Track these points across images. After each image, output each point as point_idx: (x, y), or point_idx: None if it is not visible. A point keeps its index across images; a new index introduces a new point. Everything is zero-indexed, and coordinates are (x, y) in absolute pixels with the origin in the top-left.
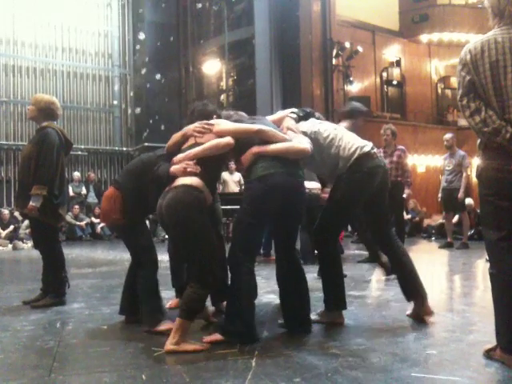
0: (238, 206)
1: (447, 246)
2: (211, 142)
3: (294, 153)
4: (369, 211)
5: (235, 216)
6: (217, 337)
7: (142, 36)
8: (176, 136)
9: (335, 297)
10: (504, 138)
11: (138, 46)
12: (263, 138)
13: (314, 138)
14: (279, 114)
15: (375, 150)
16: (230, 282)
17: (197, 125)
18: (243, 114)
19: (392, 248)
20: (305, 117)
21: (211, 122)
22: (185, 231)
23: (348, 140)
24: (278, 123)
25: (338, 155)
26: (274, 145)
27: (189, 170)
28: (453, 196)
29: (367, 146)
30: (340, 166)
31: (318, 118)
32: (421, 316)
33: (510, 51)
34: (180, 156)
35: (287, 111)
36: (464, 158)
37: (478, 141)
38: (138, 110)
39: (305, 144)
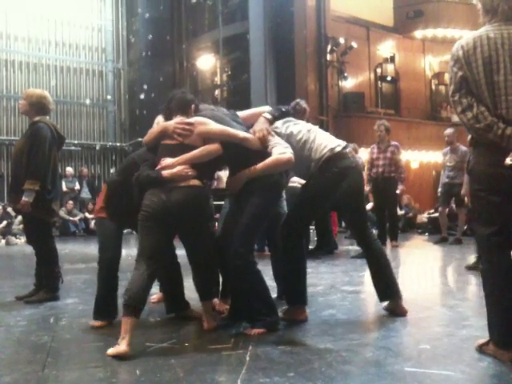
0: None
1: (442, 241)
2: (200, 150)
3: (281, 166)
4: (346, 214)
5: (242, 219)
6: (259, 330)
7: (135, 30)
8: (153, 132)
9: (296, 292)
10: (496, 135)
11: (131, 41)
12: (246, 146)
13: (286, 140)
14: (251, 110)
15: (349, 149)
16: (244, 281)
17: (177, 125)
18: (223, 109)
19: (369, 248)
20: (280, 117)
21: (192, 120)
22: (201, 223)
23: (320, 142)
24: (250, 120)
25: (309, 157)
26: (262, 164)
27: (190, 173)
28: (453, 190)
29: (339, 146)
30: (312, 167)
31: (295, 113)
32: (394, 313)
33: (502, 47)
34: (169, 161)
35: (260, 109)
36: (466, 154)
37: (469, 137)
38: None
39: (288, 154)
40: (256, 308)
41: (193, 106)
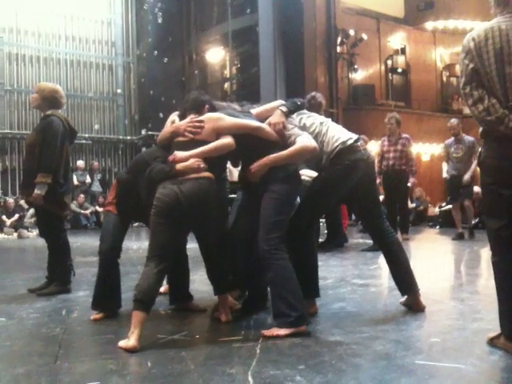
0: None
1: (459, 237)
2: (212, 145)
3: (307, 154)
4: (357, 205)
5: (266, 209)
6: (285, 331)
7: (144, 24)
8: (166, 132)
9: (307, 286)
10: (507, 127)
11: (141, 34)
12: (260, 136)
13: None
14: (264, 107)
15: (360, 142)
16: (270, 273)
17: (188, 123)
18: (236, 106)
19: (385, 242)
20: (295, 110)
21: (203, 117)
22: (212, 215)
23: (332, 134)
24: (263, 116)
25: (321, 150)
26: (288, 151)
27: (202, 166)
28: (461, 183)
29: (351, 139)
30: (323, 160)
31: (310, 107)
32: (412, 308)
33: None
34: (181, 154)
35: (273, 104)
36: (474, 144)
37: (481, 129)
38: (141, 99)
39: (314, 143)
40: (280, 306)
41: (207, 105)
